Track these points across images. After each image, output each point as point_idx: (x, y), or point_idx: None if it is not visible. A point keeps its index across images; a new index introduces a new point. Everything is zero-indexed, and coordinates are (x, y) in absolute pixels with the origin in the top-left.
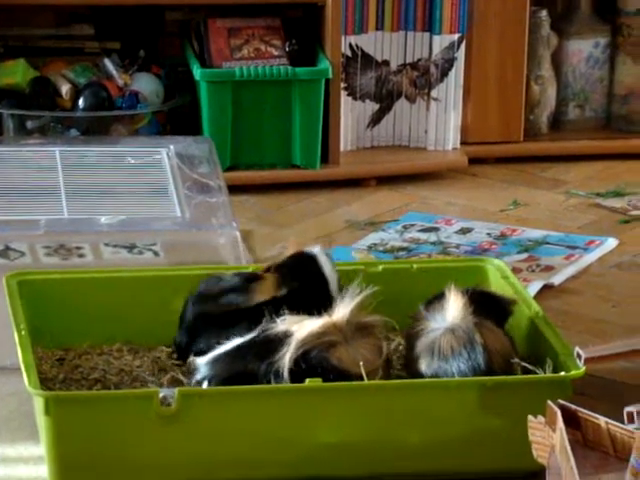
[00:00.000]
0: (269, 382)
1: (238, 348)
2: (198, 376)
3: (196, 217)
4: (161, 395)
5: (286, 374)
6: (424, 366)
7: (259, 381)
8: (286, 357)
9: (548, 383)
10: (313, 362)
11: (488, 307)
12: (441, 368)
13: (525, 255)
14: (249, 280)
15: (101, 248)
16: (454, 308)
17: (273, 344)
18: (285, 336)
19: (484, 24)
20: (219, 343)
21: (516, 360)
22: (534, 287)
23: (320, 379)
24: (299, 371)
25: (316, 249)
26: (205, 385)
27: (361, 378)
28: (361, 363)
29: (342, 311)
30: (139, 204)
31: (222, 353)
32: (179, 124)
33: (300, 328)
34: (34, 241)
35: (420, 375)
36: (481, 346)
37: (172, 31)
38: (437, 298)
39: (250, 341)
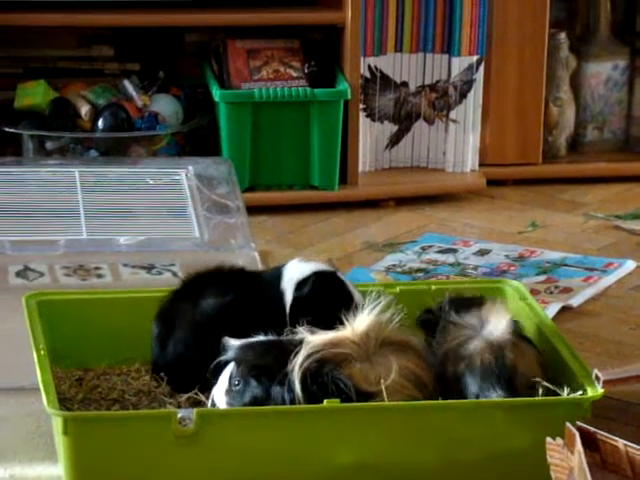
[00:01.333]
0: (282, 386)
1: (268, 342)
2: (229, 354)
3: (215, 238)
4: (179, 415)
5: (297, 387)
6: (450, 370)
7: (275, 381)
8: (296, 366)
9: (566, 405)
10: (324, 377)
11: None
12: (465, 378)
13: (543, 277)
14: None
15: (120, 269)
16: (496, 319)
17: (292, 348)
18: (301, 343)
19: (503, 46)
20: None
21: (538, 379)
22: (552, 309)
23: (338, 399)
24: (311, 385)
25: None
26: (229, 368)
27: (372, 396)
28: (382, 381)
29: (360, 324)
30: (158, 225)
31: (254, 342)
32: (198, 145)
33: (315, 336)
34: (53, 261)
35: (444, 380)
36: (509, 366)
37: (191, 52)
38: (469, 303)
39: (276, 340)
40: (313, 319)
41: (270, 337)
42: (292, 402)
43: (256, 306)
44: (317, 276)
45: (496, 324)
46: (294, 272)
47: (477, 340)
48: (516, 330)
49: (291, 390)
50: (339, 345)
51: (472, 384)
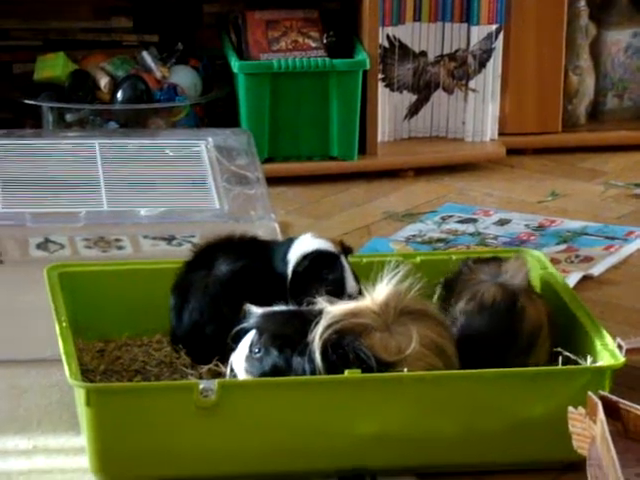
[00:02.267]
0: (303, 356)
1: (290, 312)
2: (251, 322)
3: (235, 209)
4: (201, 387)
5: (318, 360)
6: (459, 308)
7: (297, 347)
8: (316, 338)
9: (588, 374)
10: (344, 347)
11: None
12: (473, 317)
13: (564, 246)
14: None
15: (140, 240)
16: (515, 270)
17: (312, 318)
18: (321, 313)
19: (522, 14)
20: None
21: (559, 349)
22: (573, 278)
23: (359, 370)
24: (331, 355)
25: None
26: (250, 335)
27: (392, 365)
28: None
29: (380, 294)
30: (178, 196)
31: (276, 311)
32: (217, 116)
33: (335, 306)
34: (73, 233)
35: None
36: (518, 311)
37: (210, 23)
38: (489, 260)
39: (297, 310)
40: (305, 296)
41: (291, 307)
42: (312, 373)
43: (264, 273)
44: (317, 255)
45: (513, 274)
46: (301, 245)
47: (492, 284)
48: (530, 283)
49: (311, 360)
50: (359, 315)
51: (479, 321)
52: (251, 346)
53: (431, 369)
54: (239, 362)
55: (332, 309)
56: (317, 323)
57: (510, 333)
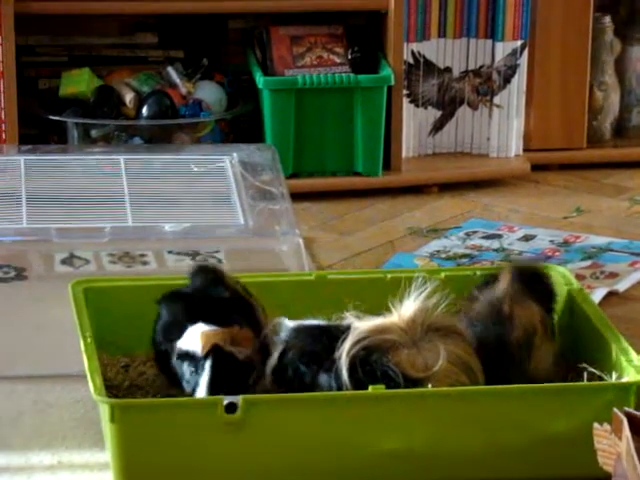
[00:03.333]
0: (329, 373)
1: (319, 327)
2: (282, 336)
3: (259, 224)
4: (226, 402)
5: (345, 375)
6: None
7: (323, 368)
8: (343, 355)
9: (613, 390)
10: (372, 364)
11: (533, 285)
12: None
13: (589, 262)
14: None
15: (165, 256)
16: (502, 281)
17: (340, 334)
18: (348, 328)
19: (547, 30)
20: None
21: (584, 365)
22: (598, 294)
23: (383, 386)
24: (359, 372)
25: None
26: (280, 347)
27: (420, 382)
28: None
29: (407, 310)
30: (202, 212)
31: (306, 325)
32: (242, 132)
33: (363, 323)
34: (99, 249)
35: None
36: (506, 316)
37: (235, 39)
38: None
39: (325, 325)
40: None
41: (320, 322)
42: (339, 389)
43: None
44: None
45: (498, 285)
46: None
47: (480, 300)
48: (521, 286)
49: (338, 377)
50: (386, 331)
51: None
52: (279, 361)
53: (458, 386)
54: (267, 377)
55: (359, 325)
56: (344, 339)
57: (500, 342)
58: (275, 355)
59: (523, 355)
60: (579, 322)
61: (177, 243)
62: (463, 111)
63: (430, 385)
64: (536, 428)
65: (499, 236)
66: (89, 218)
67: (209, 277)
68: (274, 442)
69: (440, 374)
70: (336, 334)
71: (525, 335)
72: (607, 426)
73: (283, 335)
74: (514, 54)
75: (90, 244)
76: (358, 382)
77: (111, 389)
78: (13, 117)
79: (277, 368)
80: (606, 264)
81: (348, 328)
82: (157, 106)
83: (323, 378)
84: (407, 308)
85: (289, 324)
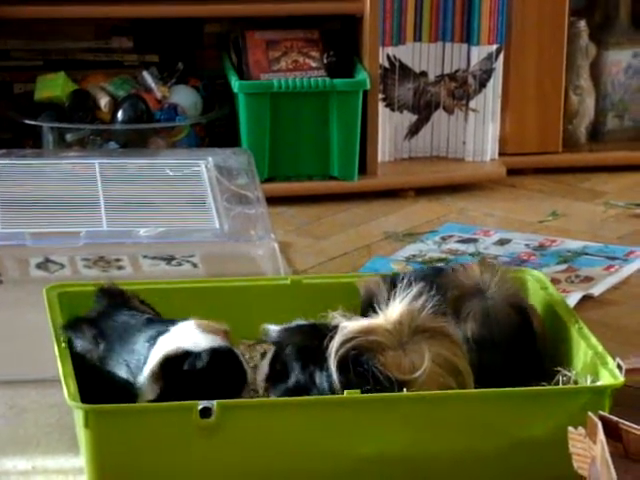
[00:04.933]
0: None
1: (309, 325)
2: (271, 338)
3: (235, 229)
4: (201, 407)
5: (335, 375)
6: (472, 331)
7: (318, 362)
8: (332, 353)
9: (588, 394)
10: (362, 365)
11: None
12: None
13: (564, 266)
14: None
15: (140, 260)
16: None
17: (327, 332)
18: (335, 328)
19: (522, 35)
20: None
21: (559, 369)
22: (573, 298)
23: (358, 390)
24: (348, 373)
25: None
26: (271, 351)
27: (406, 384)
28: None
29: (393, 312)
30: (178, 216)
31: (295, 325)
32: (217, 136)
33: (350, 323)
34: (74, 253)
35: None
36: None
37: (210, 43)
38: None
39: (313, 324)
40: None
41: (307, 322)
42: (330, 389)
43: None
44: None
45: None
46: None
47: (497, 301)
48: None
49: (329, 376)
50: (373, 332)
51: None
52: (272, 364)
53: (444, 388)
54: (260, 383)
55: (347, 325)
56: (332, 338)
57: (525, 332)
58: (267, 359)
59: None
60: (554, 326)
61: (152, 247)
62: (439, 115)
63: (416, 388)
64: (511, 432)
65: (475, 240)
66: (64, 222)
67: (114, 300)
68: (249, 447)
69: (426, 376)
70: (325, 333)
71: (542, 331)
72: (582, 430)
73: (272, 337)
74: (489, 58)
75: (65, 249)
76: (349, 382)
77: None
78: None
79: (271, 370)
80: (581, 268)
81: (335, 328)
82: (132, 110)
83: (318, 377)
84: (393, 310)
85: (275, 327)
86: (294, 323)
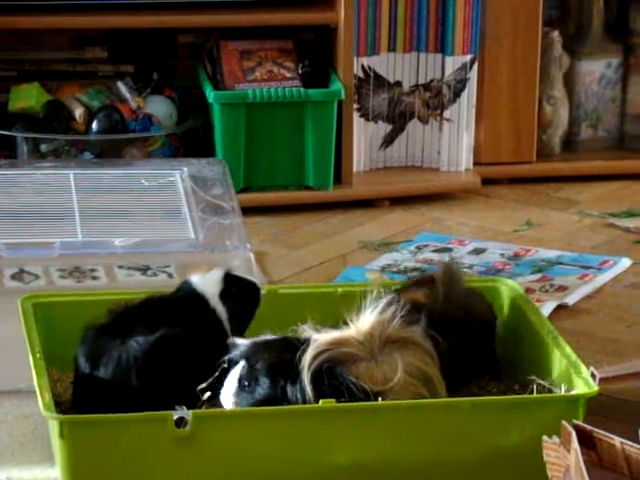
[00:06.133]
0: (294, 385)
1: (279, 340)
2: (238, 353)
3: (210, 239)
4: (176, 417)
5: (309, 391)
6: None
7: (289, 376)
8: (305, 366)
9: (562, 402)
10: (335, 377)
11: None
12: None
13: (539, 275)
14: None
15: (115, 270)
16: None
17: (299, 346)
18: (306, 341)
19: (496, 45)
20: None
21: (533, 377)
22: (548, 307)
23: (334, 400)
24: (321, 386)
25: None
26: (238, 367)
27: (379, 395)
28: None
29: (364, 323)
30: (153, 226)
31: (263, 340)
32: (192, 146)
33: (322, 335)
34: (48, 264)
35: None
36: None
37: (184, 54)
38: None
39: (282, 338)
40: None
41: (276, 336)
42: (304, 402)
43: (187, 341)
44: (230, 279)
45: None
46: (210, 288)
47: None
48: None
49: (302, 390)
50: (345, 344)
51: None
52: (240, 379)
53: (417, 398)
54: (227, 398)
55: (318, 337)
56: (303, 351)
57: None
58: (235, 374)
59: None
60: (528, 335)
61: (127, 258)
62: (413, 125)
63: (389, 398)
64: (486, 441)
65: (450, 249)
66: (39, 233)
67: None
68: (224, 456)
69: (399, 387)
70: (296, 345)
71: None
72: (556, 439)
73: (240, 352)
74: (464, 68)
75: (40, 259)
76: (321, 395)
77: (60, 405)
78: None
79: (240, 385)
80: (555, 277)
81: (306, 341)
82: (107, 121)
83: (290, 390)
84: (364, 321)
85: (244, 342)
86: (262, 337)
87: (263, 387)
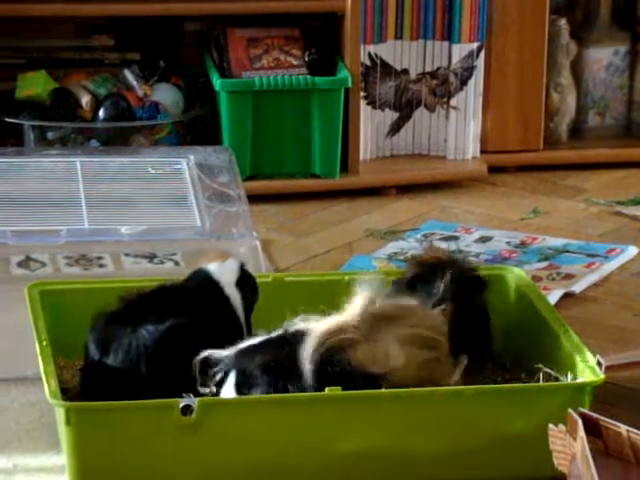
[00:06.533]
0: (294, 379)
1: (265, 342)
2: (227, 365)
3: (216, 226)
4: (182, 405)
5: (310, 379)
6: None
7: (287, 373)
8: (306, 359)
9: (568, 391)
10: (334, 364)
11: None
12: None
13: (545, 263)
14: None
15: (122, 258)
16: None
17: (295, 340)
18: (304, 334)
19: (503, 32)
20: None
21: (539, 365)
22: (554, 295)
23: (340, 387)
24: (321, 373)
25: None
26: (232, 377)
27: (383, 376)
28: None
29: (354, 307)
30: (159, 214)
31: (249, 346)
32: (199, 134)
33: (317, 325)
34: (55, 251)
35: None
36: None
37: (191, 41)
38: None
39: (277, 338)
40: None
41: (263, 336)
42: None
43: (197, 330)
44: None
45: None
46: (226, 276)
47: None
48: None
49: (305, 381)
50: (342, 331)
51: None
52: (239, 386)
53: (422, 364)
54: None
55: (315, 329)
56: (298, 345)
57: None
58: (230, 387)
59: None
60: (535, 323)
61: (134, 245)
62: (420, 113)
63: (397, 377)
64: (492, 429)
65: (456, 238)
66: (45, 220)
67: None
68: (230, 444)
69: (402, 362)
70: (284, 343)
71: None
72: (562, 427)
73: (228, 363)
74: (471, 56)
75: (46, 246)
76: (324, 385)
77: (67, 392)
78: None
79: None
80: (562, 265)
81: (297, 334)
82: (114, 108)
83: (291, 388)
84: (354, 305)
85: (225, 353)
86: (245, 343)
87: (263, 390)
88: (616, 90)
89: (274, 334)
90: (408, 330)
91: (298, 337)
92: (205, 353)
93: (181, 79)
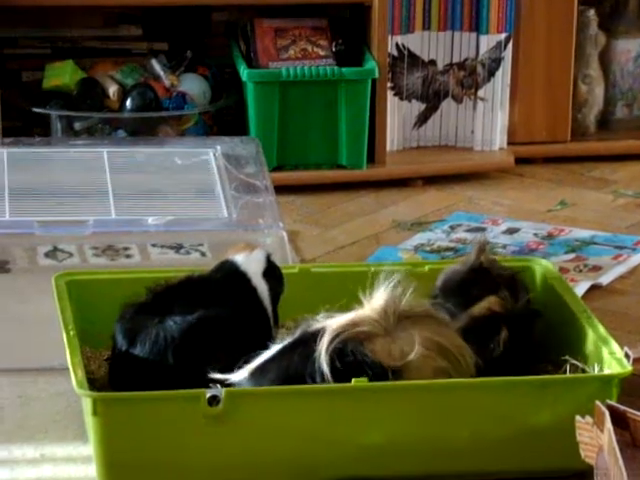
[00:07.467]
0: (314, 381)
1: (280, 353)
2: (242, 386)
3: (243, 217)
4: (208, 395)
5: (326, 371)
6: None
7: (306, 381)
8: (322, 352)
9: (595, 382)
10: (348, 355)
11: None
12: None
13: (572, 255)
14: None
15: (148, 249)
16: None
17: (313, 341)
18: (320, 331)
19: (531, 23)
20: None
21: (566, 357)
22: (582, 287)
23: (366, 379)
24: (337, 366)
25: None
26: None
27: (397, 371)
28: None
29: (377, 301)
30: (186, 205)
31: (263, 362)
32: (226, 125)
33: (333, 321)
34: (82, 242)
35: None
36: None
37: (219, 31)
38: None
39: (291, 344)
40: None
41: (279, 345)
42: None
43: (225, 322)
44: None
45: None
46: (253, 266)
47: None
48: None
49: (321, 374)
50: (360, 324)
51: None
52: None
53: (439, 371)
54: None
55: (332, 323)
56: (321, 337)
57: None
58: None
59: None
60: (562, 315)
61: (161, 236)
62: (447, 104)
63: (408, 373)
64: (519, 421)
65: (483, 229)
66: (72, 211)
67: None
68: (256, 435)
69: (417, 361)
70: (306, 344)
71: None
72: (589, 419)
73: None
74: (498, 47)
75: (73, 237)
76: (339, 375)
77: (94, 382)
78: None
79: None
80: (590, 257)
81: (319, 331)
82: (141, 99)
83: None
84: (377, 299)
85: (240, 376)
86: (258, 360)
87: None
88: None
89: (289, 339)
90: (432, 335)
91: (316, 338)
92: (217, 378)
93: (208, 69)
